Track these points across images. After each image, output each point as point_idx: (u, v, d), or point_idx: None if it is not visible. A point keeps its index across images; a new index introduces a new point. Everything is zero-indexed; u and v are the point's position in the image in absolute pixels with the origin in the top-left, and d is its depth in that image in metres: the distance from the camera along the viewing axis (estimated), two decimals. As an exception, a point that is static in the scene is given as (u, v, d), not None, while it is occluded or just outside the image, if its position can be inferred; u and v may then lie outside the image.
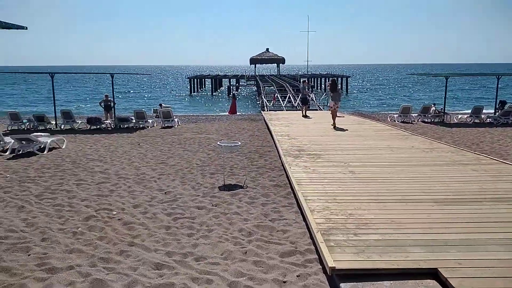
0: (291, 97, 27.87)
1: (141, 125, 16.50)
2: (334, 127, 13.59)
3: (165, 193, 6.74)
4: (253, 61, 63.94)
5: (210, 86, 54.54)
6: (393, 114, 19.27)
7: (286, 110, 23.37)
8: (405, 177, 7.08)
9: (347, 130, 13.14)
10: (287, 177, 7.52)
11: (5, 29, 5.68)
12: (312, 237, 4.77)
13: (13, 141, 10.75)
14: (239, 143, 7.48)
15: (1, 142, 10.62)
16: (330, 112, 14.16)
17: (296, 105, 25.21)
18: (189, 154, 10.20)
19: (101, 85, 75.57)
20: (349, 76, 57.57)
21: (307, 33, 72.31)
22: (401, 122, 17.26)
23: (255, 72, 65.38)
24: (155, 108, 22.33)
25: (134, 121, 16.56)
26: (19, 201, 6.29)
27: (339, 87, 20.59)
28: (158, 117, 18.66)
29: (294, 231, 5.04)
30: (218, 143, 7.49)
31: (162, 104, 21.61)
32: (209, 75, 69.98)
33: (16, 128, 16.10)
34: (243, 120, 18.87)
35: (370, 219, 5.06)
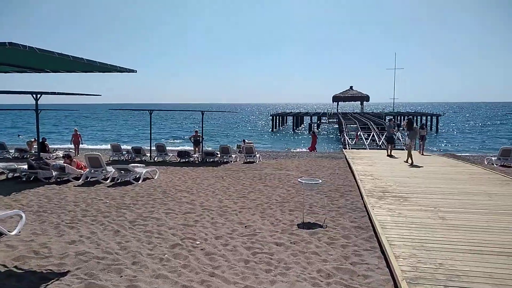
0: (375, 136, 26.99)
1: (225, 160, 17.22)
2: (412, 164, 14.17)
3: (245, 226, 6.87)
4: (336, 98, 63.78)
5: (292, 123, 55.25)
6: (491, 156, 17.51)
7: (370, 149, 22.60)
8: (505, 227, 6.31)
9: (437, 172, 12.26)
10: (370, 219, 7.19)
11: (118, 72, 6.50)
12: (396, 285, 4.44)
13: (113, 170, 11.95)
14: (320, 181, 7.39)
15: (104, 171, 11.88)
16: (407, 150, 15.06)
17: (380, 144, 24.32)
18: (269, 190, 10.32)
19: (194, 123, 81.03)
20: (440, 115, 53.97)
21: (394, 70, 70.34)
22: (500, 165, 15.56)
23: (337, 109, 65.01)
24: (238, 144, 23.26)
25: (219, 155, 17.37)
26: (116, 225, 6.90)
27: (423, 126, 19.75)
28: (241, 152, 19.37)
29: (376, 277, 4.75)
30: (299, 179, 7.50)
31: (245, 140, 22.43)
32: (291, 112, 71.20)
33: (117, 158, 17.91)
34: (324, 157, 18.67)
35: (464, 271, 4.57)
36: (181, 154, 17.61)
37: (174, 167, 15.33)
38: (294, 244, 5.94)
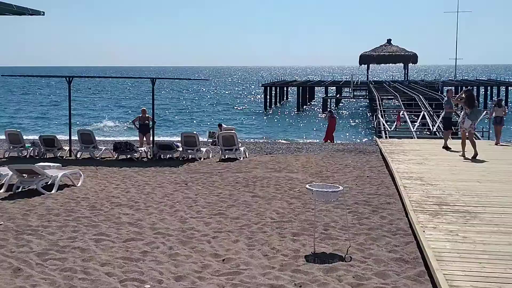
0: (427, 117, 27.26)
1: (190, 156, 17.23)
2: (474, 157, 14.69)
3: (223, 260, 6.89)
4: (365, 59, 64.35)
5: (296, 98, 55.44)
6: None
7: (418, 137, 22.86)
8: None
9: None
10: (419, 246, 7.25)
11: (20, 15, 6.42)
12: None
13: (10, 173, 11.84)
14: (341, 188, 7.40)
15: (-4, 175, 11.77)
16: (461, 136, 15.85)
17: (435, 129, 24.59)
18: (261, 203, 10.36)
19: (135, 95, 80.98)
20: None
21: (456, 14, 70.86)
22: None
23: (367, 76, 65.55)
24: (211, 131, 23.29)
25: (180, 149, 17.35)
26: (15, 260, 6.84)
27: (500, 102, 19.96)
28: (215, 144, 19.36)
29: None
30: (307, 186, 7.50)
31: (223, 125, 22.47)
32: (294, 81, 71.37)
33: (16, 154, 17.77)
34: (346, 151, 18.82)
35: None
36: (120, 147, 17.51)
37: (109, 167, 15.28)
38: (300, 287, 5.96)
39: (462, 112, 16.79)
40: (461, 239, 7.24)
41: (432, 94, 40.72)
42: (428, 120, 26.67)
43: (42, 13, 6.80)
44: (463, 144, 15.31)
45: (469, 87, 20.36)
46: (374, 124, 32.50)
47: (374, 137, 25.24)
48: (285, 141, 26.65)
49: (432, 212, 8.74)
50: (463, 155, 15.12)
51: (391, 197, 10.71)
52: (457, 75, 74.54)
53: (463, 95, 16.05)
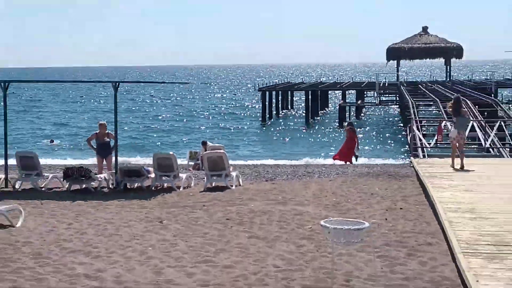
0: (477, 129, 27.27)
1: (166, 184, 17.26)
2: (462, 167, 17.49)
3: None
4: (395, 53, 64.54)
5: (304, 105, 55.37)
6: None
7: (466, 156, 22.86)
8: None
9: None
10: (472, 303, 7.24)
11: None
12: None
13: None
14: (367, 224, 7.41)
15: None
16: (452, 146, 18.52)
17: (488, 145, 24.65)
18: (261, 245, 10.36)
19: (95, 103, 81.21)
20: None
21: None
22: None
23: (397, 76, 65.52)
24: (193, 151, 23.29)
25: (153, 175, 17.36)
26: None
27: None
28: (199, 169, 19.37)
29: None
30: (322, 223, 7.51)
31: (208, 143, 22.51)
32: (301, 83, 71.42)
33: None
34: (372, 176, 18.85)
35: None
36: (72, 174, 17.50)
37: (58, 201, 15.26)
38: None
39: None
40: (527, 291, 7.24)
41: (483, 99, 40.71)
42: (479, 133, 26.67)
43: None
44: (453, 156, 18.07)
45: (458, 95, 21.04)
46: (408, 139, 32.58)
47: (409, 156, 25.27)
48: (290, 163, 26.64)
49: (488, 255, 8.71)
50: (453, 166, 17.90)
51: (433, 236, 10.72)
52: (515, 73, 74.81)
53: (451, 102, 18.36)
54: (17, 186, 17.68)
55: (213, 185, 17.23)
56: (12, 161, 18.66)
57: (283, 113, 59.51)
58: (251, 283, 8.29)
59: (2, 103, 18.56)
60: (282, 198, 15.08)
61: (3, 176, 18.19)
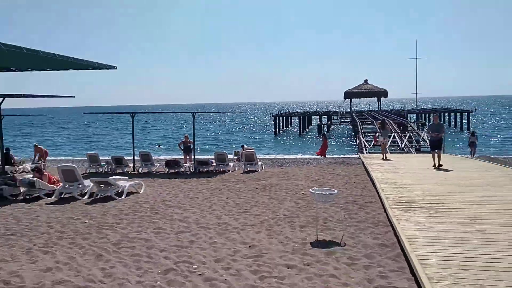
0: (396, 137, 27.05)
1: (221, 169, 17.26)
2: (386, 158, 17.57)
3: (250, 246, 6.87)
4: (349, 95, 64.06)
5: (298, 124, 55.35)
6: (534, 157, 17.55)
7: (391, 152, 22.63)
8: (557, 241, 6.31)
9: (471, 178, 12.27)
10: (396, 234, 7.19)
11: (96, 70, 6.56)
12: (431, 312, 4.43)
13: (92, 184, 11.98)
14: (336, 191, 7.40)
15: (81, 186, 11.88)
16: (381, 147, 19.02)
17: (403, 146, 24.41)
18: (275, 203, 10.33)
19: (182, 125, 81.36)
20: (471, 111, 54.04)
21: (415, 60, 70.77)
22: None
23: (350, 107, 65.17)
24: (236, 150, 23.28)
25: (214, 164, 17.40)
26: (97, 248, 6.90)
27: (473, 133, 24.44)
28: (239, 160, 19.38)
29: (407, 302, 4.74)
30: (310, 190, 7.51)
31: (245, 146, 22.49)
32: (296, 112, 71.32)
33: (95, 170, 17.93)
34: (337, 164, 18.72)
35: (511, 293, 4.57)
36: (170, 163, 17.63)
37: (162, 179, 15.36)
38: (308, 266, 5.93)
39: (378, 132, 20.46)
40: (427, 228, 7.16)
41: (399, 119, 40.51)
42: (397, 139, 26.47)
43: (115, 67, 6.91)
44: (382, 152, 18.39)
45: (384, 118, 23.58)
46: (357, 143, 32.37)
47: (358, 152, 25.10)
48: (291, 157, 26.57)
49: (404, 209, 8.63)
50: (383, 158, 17.64)
51: (372, 198, 10.62)
52: (417, 105, 74.02)
53: (379, 121, 19.63)
54: (139, 171, 17.85)
55: (247, 169, 17.22)
56: (136, 157, 18.83)
57: (286, 129, 59.33)
58: (271, 224, 8.30)
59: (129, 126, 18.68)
60: (287, 176, 15.02)
61: (132, 165, 18.39)
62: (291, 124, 65.41)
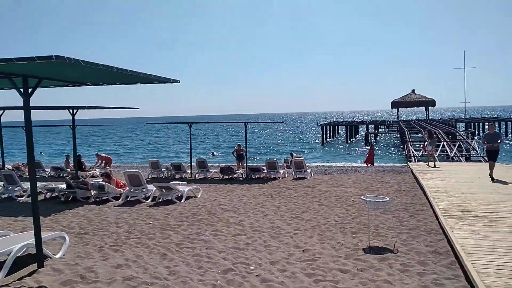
0: (445, 146, 25.95)
1: (272, 176, 17.29)
2: (434, 166, 17.42)
3: (303, 250, 6.83)
4: (396, 104, 62.16)
5: (345, 133, 54.45)
6: None
7: (440, 161, 21.73)
8: None
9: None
10: (449, 243, 6.90)
11: (162, 83, 6.82)
12: (490, 321, 4.21)
13: (154, 189, 12.38)
14: (388, 199, 7.21)
15: (145, 190, 12.32)
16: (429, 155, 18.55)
17: (452, 155, 23.40)
18: (326, 209, 10.21)
19: (234, 134, 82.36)
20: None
21: (463, 70, 67.88)
22: None
23: (398, 117, 63.38)
24: (286, 158, 23.27)
25: (265, 171, 17.46)
26: (162, 248, 7.12)
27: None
28: (289, 168, 19.35)
29: (464, 311, 4.54)
30: (362, 197, 7.37)
31: (293, 154, 22.43)
32: (343, 121, 70.33)
33: (156, 176, 18.52)
34: (386, 172, 18.22)
35: None
36: (224, 170, 17.91)
37: (217, 184, 15.61)
38: (361, 271, 5.81)
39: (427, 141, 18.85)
40: (482, 237, 6.83)
41: (448, 128, 38.87)
42: (447, 148, 25.39)
43: (178, 81, 7.16)
44: (429, 160, 18.19)
45: (430, 129, 22.86)
46: (405, 152, 31.40)
47: (406, 161, 24.33)
48: (339, 165, 26.15)
49: (457, 217, 8.27)
50: (431, 166, 17.38)
51: (423, 206, 10.25)
52: (466, 114, 70.77)
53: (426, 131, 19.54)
54: (196, 176, 18.24)
55: (297, 176, 17.15)
56: (193, 164, 19.27)
57: (333, 138, 58.56)
58: (322, 230, 8.21)
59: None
60: (336, 183, 14.81)
61: (189, 171, 18.83)
62: (338, 133, 64.46)
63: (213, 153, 43.41)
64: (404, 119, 67.21)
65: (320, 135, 58.27)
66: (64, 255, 6.71)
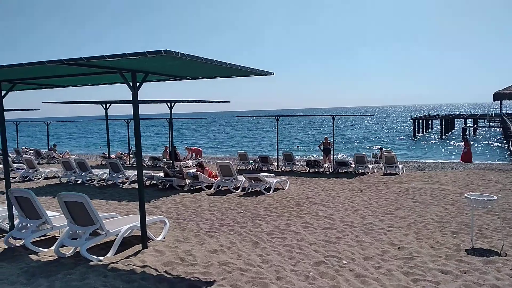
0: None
1: (360, 170, 16.84)
2: None
3: (399, 248, 6.55)
4: (499, 96, 56.74)
5: (439, 127, 51.14)
6: None
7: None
8: None
9: None
10: None
11: (256, 76, 6.93)
12: None
13: (244, 179, 12.72)
14: (495, 197, 6.60)
15: (235, 180, 12.71)
16: None
17: None
18: (421, 207, 9.69)
19: (321, 128, 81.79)
20: None
21: None
22: None
23: (500, 110, 57.94)
24: (374, 153, 22.54)
25: (353, 165, 17.06)
26: (253, 237, 7.30)
27: None
28: (377, 163, 18.69)
29: None
30: (466, 195, 6.85)
31: (383, 149, 21.64)
32: (437, 115, 66.11)
33: (244, 167, 19.04)
34: (487, 169, 16.80)
35: None
36: (310, 163, 17.83)
37: (303, 177, 15.60)
38: (465, 273, 5.42)
39: None
40: None
41: None
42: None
43: (272, 73, 7.22)
44: None
45: None
46: (510, 147, 28.70)
47: (510, 158, 22.20)
48: (433, 161, 24.66)
49: None
50: None
51: (535, 207, 9.29)
52: None
53: None
54: (283, 169, 18.39)
55: (387, 172, 16.50)
56: (280, 157, 19.46)
57: (425, 133, 55.30)
58: (419, 228, 7.81)
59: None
60: (431, 180, 13.99)
61: (276, 163, 19.04)
62: (431, 128, 60.75)
63: (297, 146, 43.52)
64: (508, 112, 61.16)
65: (411, 129, 55.42)
66: (164, 238, 7.19)
